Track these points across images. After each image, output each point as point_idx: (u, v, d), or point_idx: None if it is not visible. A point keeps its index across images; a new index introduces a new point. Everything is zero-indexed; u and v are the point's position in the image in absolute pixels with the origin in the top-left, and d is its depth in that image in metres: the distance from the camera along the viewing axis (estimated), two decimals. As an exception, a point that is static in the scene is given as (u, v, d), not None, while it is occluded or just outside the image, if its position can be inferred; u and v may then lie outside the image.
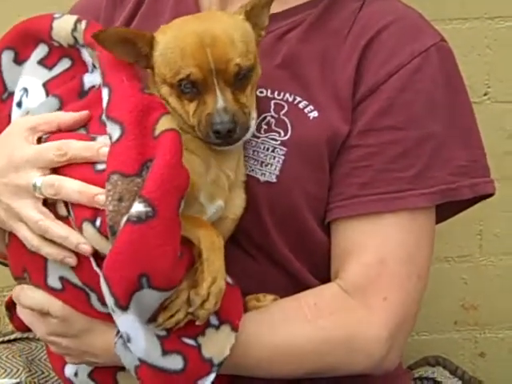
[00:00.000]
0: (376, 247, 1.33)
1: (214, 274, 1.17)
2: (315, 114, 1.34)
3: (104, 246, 1.17)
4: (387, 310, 1.31)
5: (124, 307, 1.14)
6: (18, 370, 1.58)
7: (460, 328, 2.30)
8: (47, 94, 1.36)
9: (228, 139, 1.21)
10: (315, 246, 1.38)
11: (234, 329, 1.23)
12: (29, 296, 1.31)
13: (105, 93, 1.23)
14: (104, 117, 1.22)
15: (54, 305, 1.27)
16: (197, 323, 1.20)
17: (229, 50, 1.21)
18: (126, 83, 1.22)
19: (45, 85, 1.37)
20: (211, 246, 1.19)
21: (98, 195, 1.18)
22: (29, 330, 1.39)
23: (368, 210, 1.33)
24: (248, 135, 1.26)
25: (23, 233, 1.25)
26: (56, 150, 1.22)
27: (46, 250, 1.23)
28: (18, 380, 1.56)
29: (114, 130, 1.18)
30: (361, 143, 1.34)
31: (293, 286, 1.36)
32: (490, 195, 1.40)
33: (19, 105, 1.38)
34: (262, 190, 1.32)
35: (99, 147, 1.21)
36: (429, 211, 1.37)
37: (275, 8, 1.39)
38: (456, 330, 2.30)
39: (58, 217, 1.23)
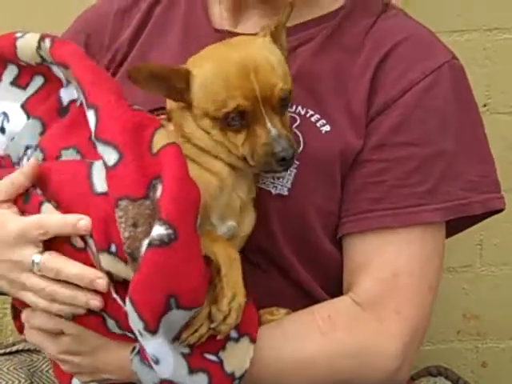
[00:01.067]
0: (389, 261, 1.33)
1: (233, 289, 1.17)
2: (327, 128, 1.35)
3: (124, 271, 1.17)
4: (400, 323, 1.32)
5: (153, 331, 1.13)
6: (20, 382, 1.57)
7: (462, 338, 2.30)
8: (28, 116, 1.35)
9: (291, 162, 1.21)
10: (325, 260, 1.39)
11: (253, 340, 1.23)
12: (40, 317, 1.30)
13: (91, 114, 1.21)
14: (94, 139, 1.20)
15: (67, 323, 1.27)
16: (218, 338, 1.20)
17: (271, 76, 1.20)
18: (113, 102, 1.20)
19: (23, 106, 1.36)
20: (228, 260, 1.18)
21: (97, 279, 1.18)
22: None
23: (381, 224, 1.34)
24: None
25: (31, 300, 1.25)
26: (37, 228, 1.21)
27: (56, 308, 1.23)
28: (19, 392, 1.56)
29: (109, 153, 1.17)
30: (374, 158, 1.35)
31: (302, 299, 1.37)
32: (501, 210, 1.41)
33: (2, 131, 1.37)
34: (273, 203, 1.32)
35: (77, 220, 1.18)
36: (440, 226, 1.38)
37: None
38: (458, 339, 2.31)
39: (75, 249, 1.21)
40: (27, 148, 1.33)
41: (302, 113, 1.36)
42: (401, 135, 1.35)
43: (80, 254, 1.20)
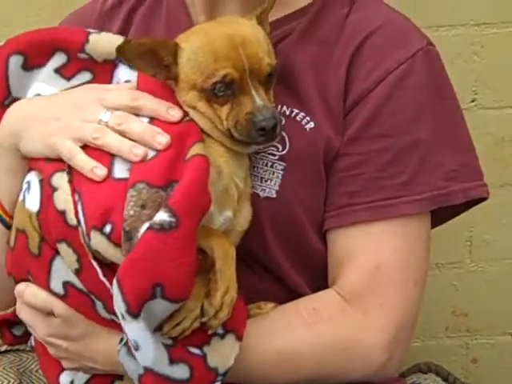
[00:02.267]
0: (371, 254, 1.33)
1: (226, 283, 1.18)
2: (311, 124, 1.34)
3: (112, 253, 1.17)
4: (384, 316, 1.31)
5: (135, 314, 1.13)
6: (9, 381, 1.58)
7: (451, 334, 2.31)
8: None
9: (271, 135, 1.22)
10: (316, 260, 1.38)
11: (239, 338, 1.23)
12: (33, 293, 1.29)
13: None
14: None
15: (59, 304, 1.27)
16: (209, 332, 1.20)
17: (259, 49, 1.23)
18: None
19: None
20: (224, 255, 1.19)
21: (159, 134, 1.21)
22: (19, 343, 1.38)
23: (359, 218, 1.33)
24: None
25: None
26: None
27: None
28: (8, 392, 1.55)
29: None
30: (350, 152, 1.34)
31: (292, 299, 1.35)
32: (484, 199, 1.40)
33: None
34: (262, 206, 1.32)
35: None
36: (423, 217, 1.37)
37: None
38: (447, 336, 2.31)
39: (69, 227, 1.21)
40: None
41: (287, 113, 1.36)
42: (375, 127, 1.33)
43: (73, 231, 1.21)
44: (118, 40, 1.29)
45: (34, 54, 1.35)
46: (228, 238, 1.24)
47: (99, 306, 1.24)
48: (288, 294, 1.37)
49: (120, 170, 1.21)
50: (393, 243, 1.33)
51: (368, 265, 1.32)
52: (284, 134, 1.33)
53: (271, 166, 1.33)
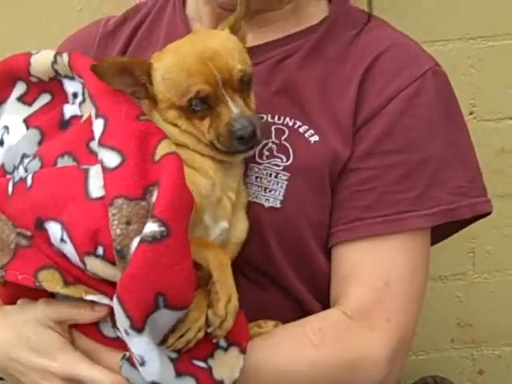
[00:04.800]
0: (380, 270, 1.34)
1: (227, 293, 1.18)
2: (316, 138, 1.36)
3: (112, 274, 1.18)
4: (390, 331, 1.32)
5: (139, 329, 1.13)
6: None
7: (457, 346, 2.30)
8: (28, 129, 1.36)
9: (252, 143, 1.23)
10: (319, 272, 1.39)
11: (242, 351, 1.23)
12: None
13: (99, 123, 1.23)
14: (97, 145, 1.22)
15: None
16: (214, 341, 1.20)
17: (228, 59, 1.23)
18: (123, 113, 1.23)
19: (25, 120, 1.37)
20: (220, 266, 1.19)
21: None
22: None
23: (371, 232, 1.34)
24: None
25: None
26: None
27: None
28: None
29: (111, 157, 1.19)
30: (362, 166, 1.35)
31: (297, 311, 1.37)
32: (487, 214, 1.42)
33: (1, 143, 1.38)
34: (266, 216, 1.33)
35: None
36: (427, 231, 1.39)
37: (271, 36, 1.44)
38: (453, 348, 2.30)
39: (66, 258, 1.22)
40: (24, 157, 1.33)
41: (290, 124, 1.37)
42: (388, 143, 1.35)
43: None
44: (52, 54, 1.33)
45: (0, 88, 1.38)
46: (222, 249, 1.24)
47: (105, 325, 1.24)
48: (295, 306, 1.37)
49: (95, 188, 1.20)
50: (403, 257, 1.35)
51: (377, 281, 1.33)
52: (288, 145, 1.35)
53: (275, 177, 1.34)
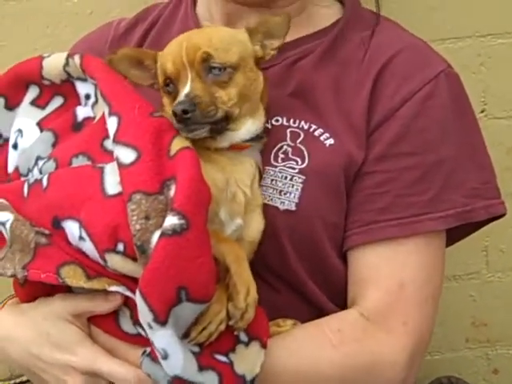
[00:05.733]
0: (395, 272, 1.34)
1: (246, 284, 1.19)
2: (331, 141, 1.36)
3: (132, 269, 1.19)
4: (407, 334, 1.32)
5: (163, 322, 1.14)
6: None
7: (471, 346, 2.29)
8: (41, 132, 1.38)
9: (185, 121, 1.21)
10: (333, 275, 1.39)
11: (263, 346, 1.24)
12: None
13: (112, 121, 1.25)
14: (112, 142, 1.24)
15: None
16: (235, 333, 1.21)
17: (201, 42, 1.25)
18: (137, 110, 1.25)
19: (39, 123, 1.39)
20: (236, 259, 1.20)
21: None
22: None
23: (386, 235, 1.34)
24: (244, 134, 1.28)
25: None
26: None
27: None
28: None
29: (127, 154, 1.20)
30: (377, 169, 1.36)
31: (312, 313, 1.37)
32: (501, 216, 1.42)
33: (15, 146, 1.40)
34: (281, 219, 1.33)
35: None
36: (442, 233, 1.39)
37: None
38: (468, 347, 2.29)
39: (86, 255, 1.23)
40: (38, 159, 1.35)
41: (306, 127, 1.37)
42: (403, 145, 1.35)
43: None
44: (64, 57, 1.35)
45: (13, 93, 1.40)
46: (238, 243, 1.25)
47: (123, 319, 1.25)
48: (310, 308, 1.38)
49: (112, 185, 1.21)
50: (417, 260, 1.35)
51: (392, 283, 1.33)
52: (303, 148, 1.35)
53: (290, 180, 1.34)
